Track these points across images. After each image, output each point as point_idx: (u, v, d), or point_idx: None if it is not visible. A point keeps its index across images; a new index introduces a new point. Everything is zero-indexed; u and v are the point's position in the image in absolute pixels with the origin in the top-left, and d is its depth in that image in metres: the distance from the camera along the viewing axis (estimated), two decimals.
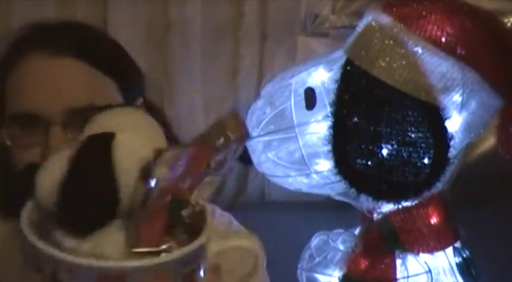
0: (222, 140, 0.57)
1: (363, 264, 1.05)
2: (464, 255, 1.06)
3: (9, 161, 0.82)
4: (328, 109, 0.95)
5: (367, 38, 0.93)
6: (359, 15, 1.00)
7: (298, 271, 1.12)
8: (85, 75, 0.80)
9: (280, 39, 1.40)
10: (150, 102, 0.91)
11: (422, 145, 0.90)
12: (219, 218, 0.94)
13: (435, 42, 0.89)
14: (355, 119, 0.92)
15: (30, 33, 0.83)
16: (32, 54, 0.79)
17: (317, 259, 1.11)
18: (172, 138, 0.93)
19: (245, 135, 0.60)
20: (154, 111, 0.91)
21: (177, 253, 0.55)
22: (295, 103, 1.02)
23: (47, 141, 0.77)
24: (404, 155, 0.91)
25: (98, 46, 0.84)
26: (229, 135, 0.58)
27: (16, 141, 0.79)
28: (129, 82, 0.86)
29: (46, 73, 0.79)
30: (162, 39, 1.36)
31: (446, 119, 0.90)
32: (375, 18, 0.94)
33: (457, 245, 1.06)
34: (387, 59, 0.89)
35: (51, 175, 0.57)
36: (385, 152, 0.91)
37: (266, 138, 1.05)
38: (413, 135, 0.90)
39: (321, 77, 1.02)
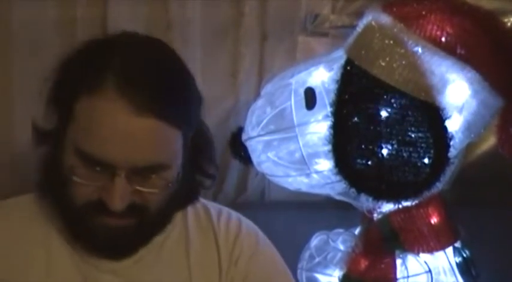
0: None
1: (363, 264, 1.05)
2: (464, 255, 1.06)
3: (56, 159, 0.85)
4: (328, 109, 0.95)
5: (367, 38, 0.93)
6: (359, 14, 1.00)
7: (298, 271, 1.12)
8: (161, 135, 0.82)
9: (280, 39, 1.40)
10: (200, 125, 0.93)
11: (423, 145, 0.90)
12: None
13: (435, 42, 0.89)
14: (355, 118, 0.92)
15: (114, 69, 0.81)
16: (112, 99, 0.79)
17: (317, 259, 1.11)
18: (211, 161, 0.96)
19: None
20: (201, 134, 0.94)
21: None
22: (295, 103, 1.02)
23: (108, 184, 0.81)
24: (404, 154, 0.91)
25: (178, 103, 0.84)
26: None
27: (78, 174, 0.82)
28: (193, 124, 0.89)
29: (126, 129, 0.79)
30: (162, 39, 1.35)
31: (446, 118, 0.90)
32: (375, 18, 0.94)
33: (457, 244, 1.06)
34: (387, 59, 0.89)
35: None
36: (385, 151, 0.91)
37: (266, 137, 1.05)
38: (413, 135, 0.90)
39: (321, 76, 1.02)
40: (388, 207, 1.03)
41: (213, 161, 0.97)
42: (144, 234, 0.89)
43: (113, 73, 0.80)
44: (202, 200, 1.00)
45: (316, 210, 1.31)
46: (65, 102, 0.83)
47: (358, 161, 0.92)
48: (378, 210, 1.05)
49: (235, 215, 1.00)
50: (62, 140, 0.84)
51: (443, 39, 0.90)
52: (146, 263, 0.90)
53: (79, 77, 0.82)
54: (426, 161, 0.91)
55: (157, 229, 0.91)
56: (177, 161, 0.86)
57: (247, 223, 1.00)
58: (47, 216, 0.91)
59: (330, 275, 1.10)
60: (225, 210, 1.01)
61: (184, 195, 0.93)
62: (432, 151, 0.90)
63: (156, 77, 0.83)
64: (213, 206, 1.01)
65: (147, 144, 0.81)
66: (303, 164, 1.01)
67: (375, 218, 1.06)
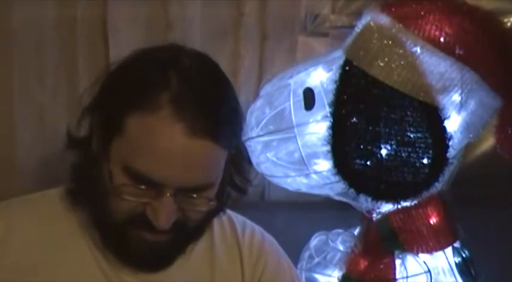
0: None
1: (362, 264, 1.05)
2: (464, 255, 1.06)
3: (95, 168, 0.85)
4: (327, 109, 0.95)
5: (365, 38, 0.93)
6: (359, 15, 1.00)
7: (298, 271, 1.12)
8: (213, 157, 0.83)
9: (280, 39, 1.39)
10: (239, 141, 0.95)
11: (421, 145, 0.90)
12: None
13: (434, 42, 0.89)
14: (354, 119, 0.92)
15: (171, 90, 0.80)
16: (168, 120, 0.79)
17: (316, 259, 1.11)
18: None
19: None
20: (239, 150, 0.95)
21: None
22: (294, 103, 1.02)
23: (154, 202, 0.81)
24: (403, 155, 0.91)
25: (230, 124, 0.85)
26: None
27: (125, 191, 0.82)
28: (237, 143, 0.91)
29: (182, 151, 0.79)
30: (162, 39, 1.35)
31: (445, 119, 0.90)
32: (373, 18, 0.94)
33: (457, 245, 1.06)
34: (386, 59, 0.89)
35: None
36: (384, 152, 0.91)
37: (265, 138, 1.05)
38: (412, 135, 0.90)
39: (320, 77, 1.02)
40: (387, 207, 1.03)
41: (246, 177, 0.98)
42: (179, 248, 0.90)
43: (169, 95, 0.79)
44: (226, 210, 1.01)
45: (315, 211, 1.31)
46: (114, 115, 0.82)
47: (357, 161, 0.92)
48: (377, 210, 1.05)
49: (258, 229, 1.03)
50: (104, 152, 0.83)
51: (442, 39, 0.89)
52: (171, 269, 0.90)
53: (132, 92, 0.81)
54: (425, 161, 0.91)
55: (191, 242, 0.92)
56: (219, 179, 0.87)
57: (269, 238, 1.02)
58: (71, 214, 0.91)
59: (329, 276, 1.10)
60: (249, 223, 1.03)
61: (218, 208, 0.93)
62: (431, 151, 0.90)
63: (211, 99, 0.83)
64: (237, 217, 1.02)
65: (200, 165, 0.81)
66: (302, 164, 1.01)
67: (374, 218, 1.06)
